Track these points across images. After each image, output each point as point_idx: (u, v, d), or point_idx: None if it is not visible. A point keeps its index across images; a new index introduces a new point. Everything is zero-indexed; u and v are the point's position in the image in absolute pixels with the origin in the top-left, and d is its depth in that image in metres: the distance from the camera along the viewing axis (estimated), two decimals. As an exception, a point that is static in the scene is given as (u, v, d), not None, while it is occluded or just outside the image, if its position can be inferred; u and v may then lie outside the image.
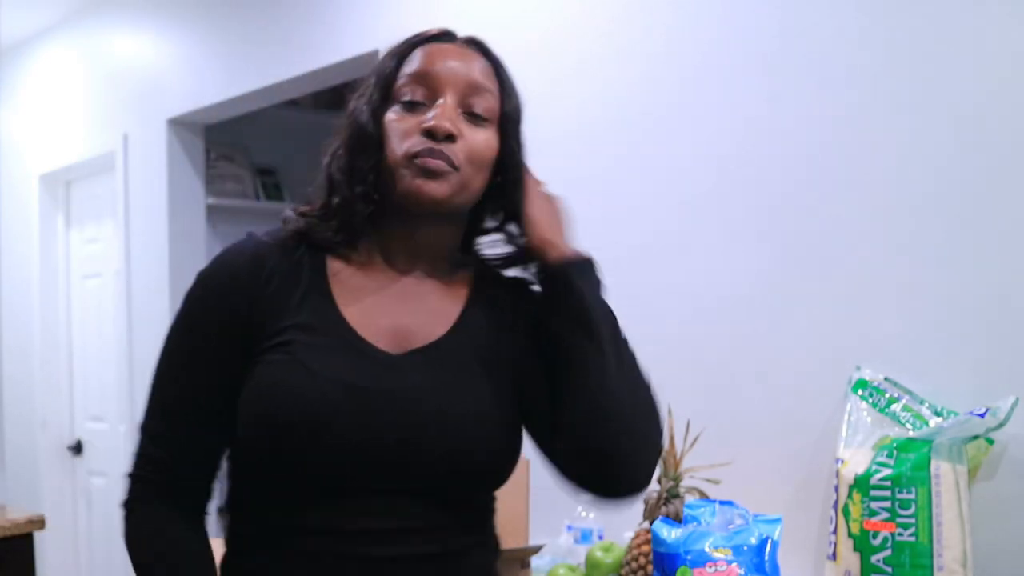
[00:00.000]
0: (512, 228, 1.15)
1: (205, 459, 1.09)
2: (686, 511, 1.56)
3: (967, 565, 1.48)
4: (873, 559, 1.53)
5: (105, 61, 4.00)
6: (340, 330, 1.05)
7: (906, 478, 1.51)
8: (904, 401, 1.63)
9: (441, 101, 1.05)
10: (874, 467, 1.55)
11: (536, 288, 1.15)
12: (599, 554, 1.76)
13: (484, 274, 1.17)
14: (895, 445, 1.56)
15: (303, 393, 1.00)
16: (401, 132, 1.05)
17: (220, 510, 1.12)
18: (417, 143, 1.03)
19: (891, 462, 1.54)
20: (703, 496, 1.67)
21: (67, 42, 4.25)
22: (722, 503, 1.55)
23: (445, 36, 1.12)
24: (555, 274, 1.08)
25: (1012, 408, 1.48)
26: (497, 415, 1.06)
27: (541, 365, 1.09)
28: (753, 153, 1.92)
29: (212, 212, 3.86)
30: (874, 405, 1.66)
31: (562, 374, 1.07)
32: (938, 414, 1.59)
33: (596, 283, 1.10)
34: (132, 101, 3.82)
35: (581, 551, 1.85)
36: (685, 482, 1.70)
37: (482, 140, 1.06)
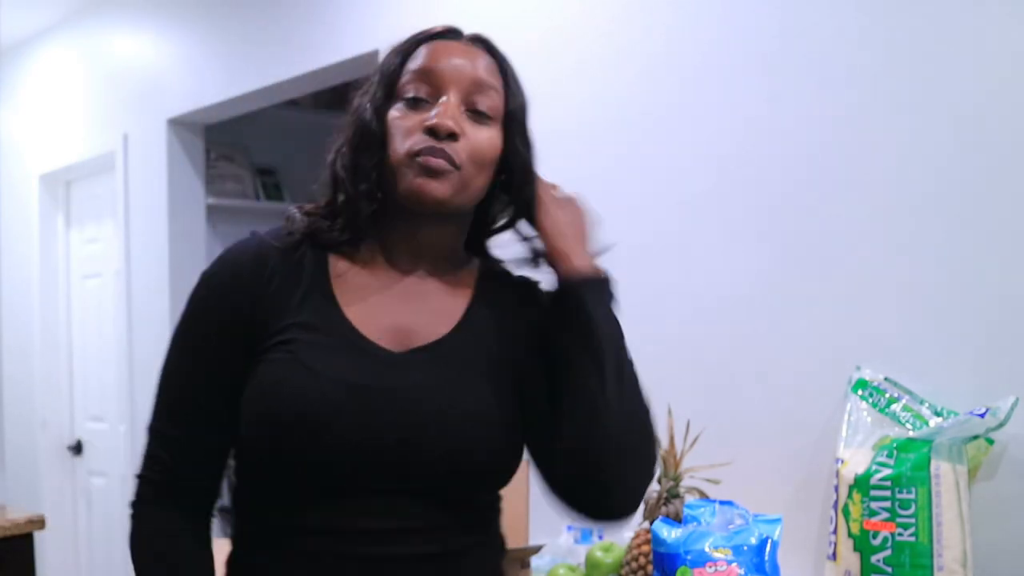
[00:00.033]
0: (523, 227, 1.14)
1: (210, 458, 1.09)
2: (686, 511, 1.56)
3: (967, 565, 1.48)
4: (873, 559, 1.53)
5: (105, 61, 4.00)
6: (342, 329, 1.04)
7: (906, 478, 1.51)
8: (904, 401, 1.63)
9: (444, 99, 1.04)
10: (874, 467, 1.55)
11: (544, 289, 1.14)
12: (599, 554, 1.76)
13: (490, 273, 1.16)
14: (895, 445, 1.56)
15: (304, 392, 1.00)
16: (404, 130, 1.04)
17: (222, 509, 1.12)
18: (419, 141, 1.02)
19: (891, 462, 1.54)
20: (703, 496, 1.67)
21: (67, 42, 4.25)
22: (722, 503, 1.55)
23: (450, 33, 1.11)
24: (567, 290, 1.07)
25: (1012, 408, 1.48)
26: (499, 415, 1.05)
27: (543, 368, 1.08)
28: (753, 153, 1.92)
29: (212, 212, 3.86)
30: (874, 405, 1.66)
31: (561, 387, 1.06)
32: (938, 414, 1.59)
33: (608, 302, 1.08)
34: (132, 101, 3.82)
35: (581, 551, 1.85)
36: (685, 482, 1.70)
37: (485, 139, 1.06)
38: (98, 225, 4.22)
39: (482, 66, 1.08)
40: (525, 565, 1.78)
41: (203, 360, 1.07)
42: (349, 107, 1.11)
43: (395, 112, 1.06)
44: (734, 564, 1.41)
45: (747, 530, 1.46)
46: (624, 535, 1.78)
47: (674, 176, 2.06)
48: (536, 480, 1.11)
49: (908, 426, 1.60)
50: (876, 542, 1.52)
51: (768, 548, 1.44)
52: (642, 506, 1.69)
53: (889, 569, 1.51)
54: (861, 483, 1.56)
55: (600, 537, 1.97)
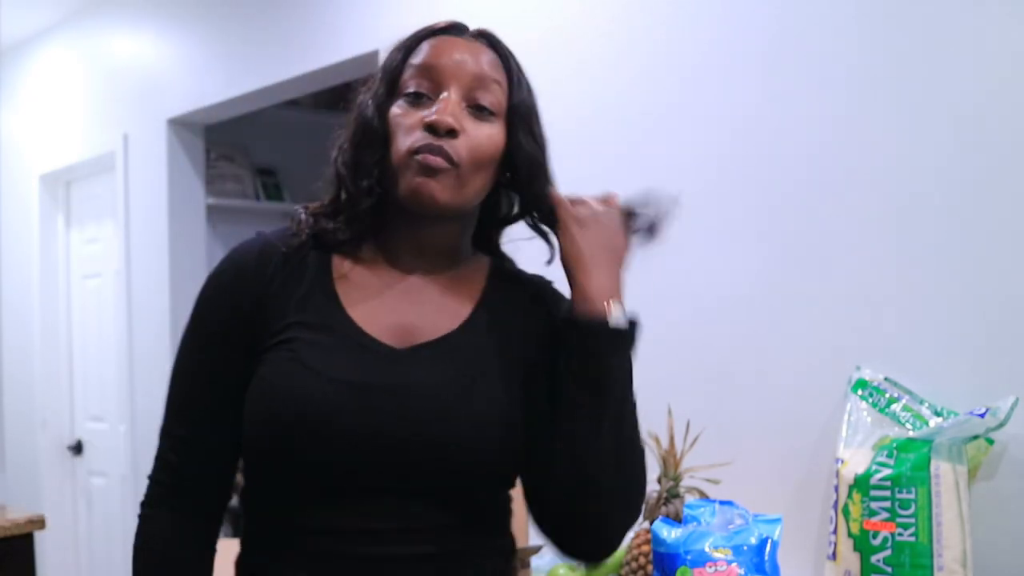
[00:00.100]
0: (538, 224, 1.12)
1: (218, 459, 1.09)
2: (686, 511, 1.56)
3: (967, 565, 1.48)
4: (873, 559, 1.53)
5: (105, 61, 4.00)
6: (344, 327, 1.04)
7: (906, 478, 1.51)
8: (904, 401, 1.63)
9: (445, 95, 1.03)
10: (874, 467, 1.56)
11: (557, 290, 1.13)
12: (599, 554, 1.75)
13: (501, 271, 1.15)
14: (895, 445, 1.56)
15: (304, 391, 0.99)
16: (405, 127, 1.03)
17: (231, 510, 1.12)
18: (419, 138, 1.02)
19: (891, 462, 1.54)
20: (703, 496, 1.67)
21: (67, 42, 4.25)
22: (722, 503, 1.55)
23: (454, 29, 1.10)
24: (580, 333, 1.02)
25: (1012, 408, 1.48)
26: (503, 414, 1.03)
27: (548, 371, 1.06)
28: (753, 153, 1.92)
29: (212, 212, 3.86)
30: (874, 405, 1.66)
31: (557, 412, 1.03)
32: (938, 414, 1.59)
33: (623, 352, 1.03)
34: (132, 101, 3.82)
35: (581, 551, 1.85)
36: (685, 482, 1.70)
37: (485, 135, 1.04)
38: (98, 225, 4.22)
39: (484, 61, 1.06)
40: (525, 565, 1.78)
41: (208, 359, 1.08)
42: (352, 104, 1.11)
43: (397, 109, 1.05)
44: (734, 564, 1.41)
45: (747, 530, 1.46)
46: (624, 535, 1.77)
47: (674, 176, 2.05)
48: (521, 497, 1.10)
49: (908, 426, 1.60)
50: (876, 542, 1.52)
51: (768, 548, 1.44)
52: (642, 506, 1.69)
53: (889, 569, 1.51)
54: (861, 483, 1.56)
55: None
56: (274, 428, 1.00)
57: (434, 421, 1.00)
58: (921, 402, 1.62)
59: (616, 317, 1.02)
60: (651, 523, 1.57)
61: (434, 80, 1.04)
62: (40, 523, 2.67)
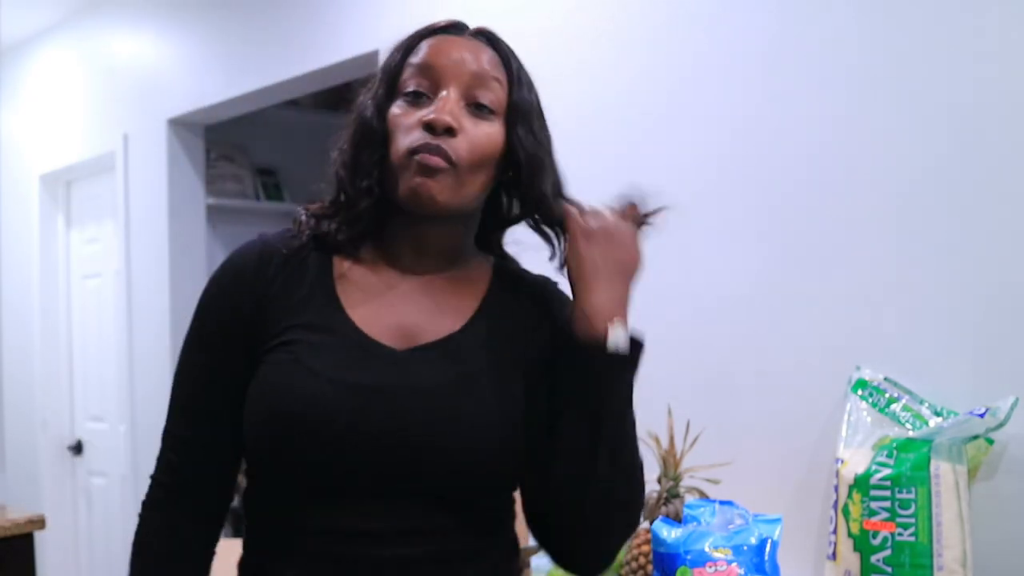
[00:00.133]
0: (539, 224, 1.11)
1: (219, 459, 1.09)
2: (686, 511, 1.56)
3: (967, 565, 1.48)
4: (873, 559, 1.53)
5: (105, 61, 4.00)
6: (344, 328, 1.04)
7: (906, 478, 1.51)
8: (904, 401, 1.63)
9: (444, 93, 1.03)
10: (874, 467, 1.56)
11: (562, 291, 1.12)
12: (599, 554, 1.76)
13: (505, 272, 1.14)
14: (895, 445, 1.56)
15: (303, 392, 0.99)
16: (404, 127, 1.03)
17: (233, 510, 1.12)
18: (417, 138, 1.01)
19: (891, 462, 1.54)
20: (703, 496, 1.67)
21: (67, 42, 4.25)
22: (722, 503, 1.55)
23: (454, 28, 1.09)
24: (580, 356, 1.00)
25: (1012, 408, 1.48)
26: (505, 415, 1.02)
27: (549, 377, 1.05)
28: (753, 153, 1.92)
29: (212, 212, 3.86)
30: (874, 405, 1.66)
31: (554, 428, 1.02)
32: (938, 414, 1.59)
33: (624, 377, 1.01)
34: (132, 101, 3.82)
35: (581, 551, 1.85)
36: (685, 482, 1.71)
37: (484, 134, 1.03)
38: (98, 225, 4.22)
39: (484, 60, 1.05)
40: (525, 565, 1.78)
41: (209, 361, 1.08)
42: (352, 105, 1.10)
43: (396, 109, 1.05)
44: (734, 564, 1.41)
45: (747, 530, 1.46)
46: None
47: (674, 176, 2.06)
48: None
49: (908, 426, 1.60)
50: (876, 542, 1.52)
51: (768, 548, 1.44)
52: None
53: (889, 569, 1.51)
54: (861, 483, 1.56)
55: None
56: (274, 428, 1.00)
57: (434, 422, 1.00)
58: (921, 402, 1.62)
59: (615, 341, 0.99)
60: (651, 523, 1.58)
61: (433, 79, 1.04)
62: (40, 523, 2.67)
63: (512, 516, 1.12)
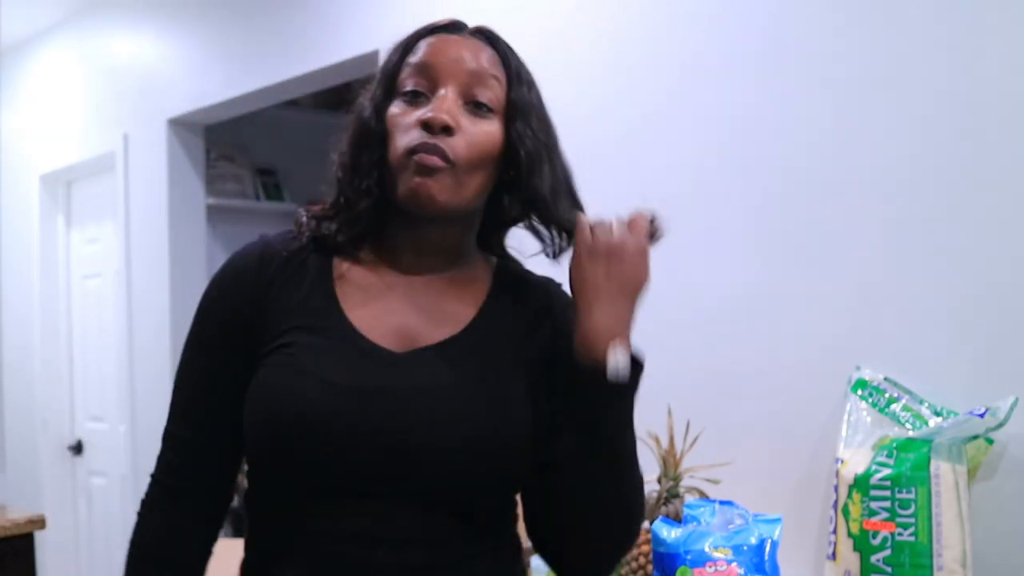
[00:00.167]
0: (536, 224, 1.10)
1: (219, 460, 1.10)
2: (686, 511, 1.56)
3: (967, 565, 1.48)
4: (873, 559, 1.53)
5: (105, 61, 4.00)
6: (342, 330, 1.03)
7: (906, 478, 1.51)
8: (904, 401, 1.63)
9: (442, 92, 1.02)
10: (874, 467, 1.56)
11: (564, 291, 1.11)
12: (599, 554, 1.75)
13: (507, 273, 1.13)
14: (895, 445, 1.56)
15: (300, 395, 0.98)
16: (402, 127, 1.02)
17: (231, 510, 1.12)
18: (415, 137, 1.00)
19: (891, 462, 1.54)
20: (703, 496, 1.67)
21: (67, 42, 4.25)
22: (722, 503, 1.55)
23: (452, 27, 1.09)
24: (580, 380, 0.99)
25: (1012, 408, 1.48)
26: (504, 417, 1.01)
27: (551, 380, 1.04)
28: (753, 152, 1.92)
29: (212, 212, 3.86)
30: (874, 405, 1.66)
31: (552, 445, 1.02)
32: (938, 414, 1.59)
33: (623, 399, 1.00)
34: (132, 101, 3.82)
35: (581, 551, 1.85)
36: (685, 482, 1.71)
37: (482, 132, 1.02)
38: (98, 225, 4.23)
39: (482, 58, 1.04)
40: (526, 565, 1.78)
41: (209, 363, 1.08)
42: (353, 105, 1.10)
43: (394, 109, 1.04)
44: (734, 564, 1.41)
45: (747, 530, 1.46)
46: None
47: (673, 175, 2.06)
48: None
49: (908, 426, 1.60)
50: (876, 542, 1.52)
51: (768, 548, 1.44)
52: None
53: (889, 569, 1.51)
54: (861, 483, 1.56)
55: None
56: (273, 429, 0.99)
57: (433, 424, 0.99)
58: (921, 402, 1.62)
59: (615, 367, 0.97)
60: (651, 523, 1.58)
61: (431, 78, 1.03)
62: (40, 523, 2.67)
63: (514, 518, 1.11)
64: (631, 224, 1.01)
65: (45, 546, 3.61)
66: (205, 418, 1.08)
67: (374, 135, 1.05)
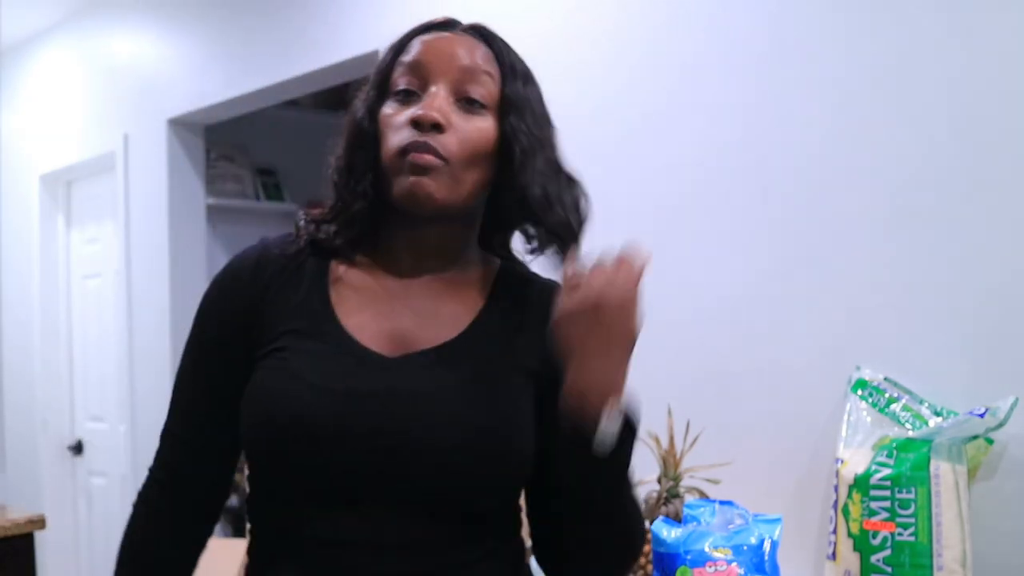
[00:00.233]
0: (529, 228, 1.07)
1: (214, 461, 1.10)
2: (686, 511, 1.56)
3: (967, 565, 1.48)
4: (873, 559, 1.53)
5: (105, 61, 4.00)
6: (335, 335, 1.02)
7: (906, 478, 1.51)
8: (904, 401, 1.63)
9: (433, 89, 1.01)
10: (874, 467, 1.56)
11: None
12: (599, 554, 1.75)
13: (510, 274, 1.11)
14: (895, 445, 1.56)
15: (293, 398, 0.98)
16: (394, 126, 1.01)
17: (229, 509, 1.13)
18: (406, 136, 0.99)
19: (891, 462, 1.54)
20: (703, 496, 1.67)
21: (67, 42, 4.25)
22: (722, 503, 1.55)
23: (445, 25, 1.08)
24: (568, 435, 0.95)
25: (1012, 408, 1.48)
26: (503, 419, 1.00)
27: (553, 384, 1.01)
28: (753, 152, 1.92)
29: (212, 212, 3.86)
30: (874, 405, 1.66)
31: (550, 473, 1.01)
32: (938, 414, 1.59)
33: (615, 454, 0.96)
34: (132, 101, 3.82)
35: (581, 551, 1.85)
36: (685, 482, 1.71)
37: (474, 129, 1.01)
38: (98, 225, 4.23)
39: (474, 54, 1.03)
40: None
41: (206, 365, 1.08)
42: (349, 107, 1.10)
43: (387, 109, 1.03)
44: (734, 564, 1.41)
45: (747, 530, 1.46)
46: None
47: (674, 176, 2.06)
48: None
49: (908, 426, 1.60)
50: (876, 542, 1.53)
51: (768, 548, 1.44)
52: (642, 506, 1.69)
53: (889, 569, 1.51)
54: (861, 483, 1.56)
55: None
56: (269, 432, 0.99)
57: (424, 428, 0.97)
58: (921, 402, 1.62)
59: (603, 436, 0.93)
60: (651, 523, 1.58)
61: (422, 77, 1.03)
62: (40, 523, 2.67)
63: (519, 522, 1.10)
64: (617, 271, 0.93)
65: (45, 546, 3.61)
66: (203, 418, 1.08)
67: (368, 136, 1.04)
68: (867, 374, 1.69)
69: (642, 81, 2.13)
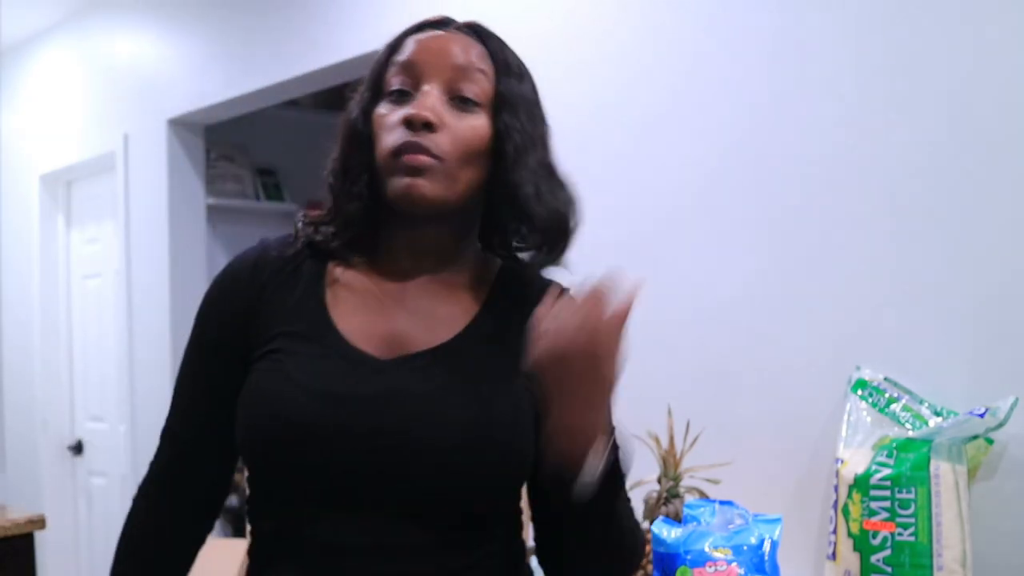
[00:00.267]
0: (521, 228, 1.06)
1: (213, 460, 1.10)
2: (686, 511, 1.56)
3: (967, 565, 1.48)
4: (873, 559, 1.53)
5: (105, 61, 4.00)
6: (328, 337, 1.02)
7: (906, 478, 1.51)
8: (904, 401, 1.63)
9: (425, 88, 1.01)
10: (874, 467, 1.56)
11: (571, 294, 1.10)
12: (599, 554, 1.75)
13: (511, 275, 1.10)
14: (895, 445, 1.56)
15: (287, 401, 0.98)
16: (387, 126, 1.01)
17: (229, 509, 1.13)
18: (399, 136, 0.99)
19: (891, 462, 1.54)
20: (703, 496, 1.67)
21: (67, 42, 4.25)
22: (722, 503, 1.55)
23: (438, 24, 1.07)
24: (553, 475, 0.95)
25: (1012, 408, 1.48)
26: (499, 421, 0.99)
27: None
28: (753, 152, 1.92)
29: (212, 212, 3.86)
30: (874, 405, 1.66)
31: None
32: (938, 414, 1.59)
33: (614, 483, 0.95)
34: (132, 101, 3.82)
35: (581, 551, 1.85)
36: (685, 482, 1.70)
37: (467, 127, 1.00)
38: (98, 225, 4.23)
39: (466, 52, 1.03)
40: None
41: (205, 365, 1.09)
42: (345, 108, 1.10)
43: (381, 109, 1.03)
44: (734, 564, 1.41)
45: (747, 530, 1.46)
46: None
47: (674, 175, 2.06)
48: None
49: (908, 426, 1.60)
50: (876, 542, 1.52)
51: (768, 548, 1.44)
52: (642, 505, 1.69)
53: (889, 569, 1.51)
54: (861, 483, 1.56)
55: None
56: (263, 434, 0.99)
57: (417, 430, 0.96)
58: (921, 402, 1.62)
59: (586, 474, 0.92)
60: (651, 523, 1.57)
61: (414, 76, 1.02)
62: (40, 523, 2.67)
63: (519, 525, 1.10)
64: (587, 315, 0.87)
65: (45, 546, 3.61)
66: (203, 418, 1.09)
67: (362, 137, 1.04)
68: (867, 374, 1.69)
69: (642, 82, 2.13)
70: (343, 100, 1.12)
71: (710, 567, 1.41)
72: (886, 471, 1.54)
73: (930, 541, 1.48)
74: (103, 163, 4.02)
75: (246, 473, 1.08)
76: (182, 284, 3.59)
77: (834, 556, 1.60)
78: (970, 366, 1.61)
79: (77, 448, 4.32)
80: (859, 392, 1.68)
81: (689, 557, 1.42)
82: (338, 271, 1.07)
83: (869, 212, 1.75)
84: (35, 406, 4.39)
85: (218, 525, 1.16)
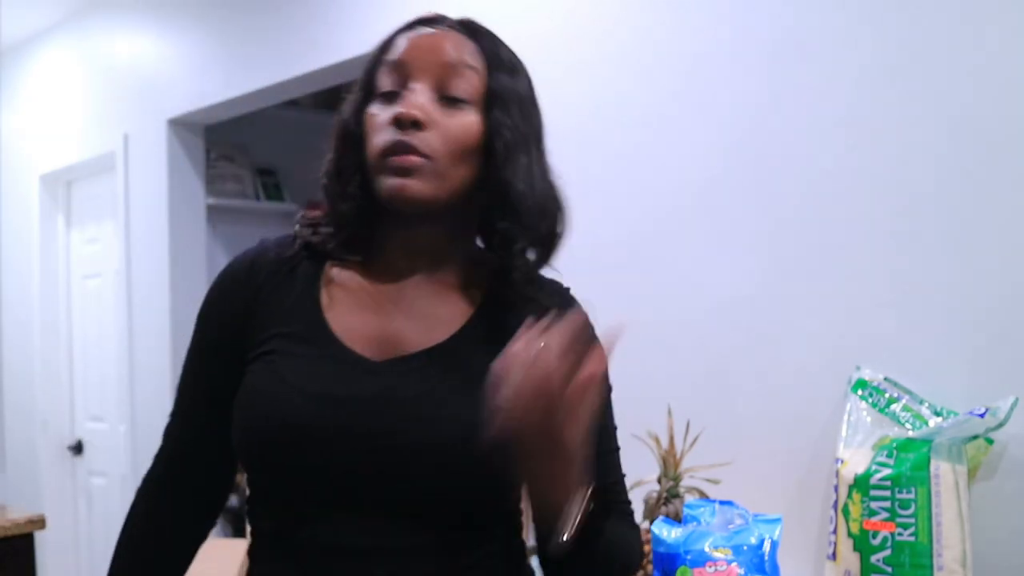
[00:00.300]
0: (512, 228, 1.04)
1: (214, 460, 1.11)
2: (686, 511, 1.56)
3: (967, 565, 1.48)
4: (873, 559, 1.53)
5: (105, 61, 4.00)
6: (322, 338, 1.02)
7: (906, 478, 1.51)
8: (904, 401, 1.63)
9: (413, 87, 1.00)
10: (874, 467, 1.56)
11: (570, 295, 1.09)
12: (599, 554, 1.75)
13: (507, 272, 1.08)
14: (895, 445, 1.56)
15: (281, 402, 0.98)
16: (377, 126, 1.00)
17: (229, 509, 1.13)
18: (388, 136, 0.98)
19: (891, 462, 1.54)
20: (703, 496, 1.67)
21: (67, 42, 4.25)
22: (722, 503, 1.55)
23: (430, 21, 1.06)
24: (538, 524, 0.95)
25: (1012, 408, 1.48)
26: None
27: None
28: (754, 153, 1.92)
29: (212, 212, 3.86)
30: (874, 405, 1.66)
31: None
32: (938, 414, 1.59)
33: (593, 528, 0.94)
34: (132, 101, 3.82)
35: (581, 551, 1.85)
36: (685, 482, 1.70)
37: (457, 124, 1.00)
38: (98, 225, 4.23)
39: (456, 49, 1.02)
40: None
41: (205, 366, 1.09)
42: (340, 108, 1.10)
43: (372, 109, 1.03)
44: (734, 564, 1.41)
45: (747, 530, 1.46)
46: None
47: (675, 176, 2.06)
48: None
49: (908, 426, 1.60)
50: (876, 542, 1.53)
51: (768, 548, 1.44)
52: (642, 505, 1.69)
53: (889, 569, 1.51)
54: (861, 483, 1.56)
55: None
56: (258, 435, 0.99)
57: (410, 431, 0.96)
58: (921, 402, 1.62)
59: (561, 527, 0.91)
60: (651, 523, 1.58)
61: (403, 75, 1.02)
62: (40, 523, 2.67)
63: (517, 522, 1.09)
64: (541, 389, 0.83)
65: (45, 546, 3.61)
66: (204, 419, 1.09)
67: (355, 138, 1.04)
68: (867, 374, 1.69)
69: (642, 82, 2.13)
70: (343, 100, 1.13)
71: (710, 567, 1.41)
72: (886, 471, 1.54)
73: (930, 541, 1.48)
74: (103, 163, 4.02)
75: (246, 473, 1.08)
76: (182, 284, 3.59)
77: (834, 556, 1.60)
78: (970, 366, 1.61)
79: (77, 448, 4.32)
80: (859, 392, 1.68)
81: (689, 557, 1.42)
82: (334, 272, 1.07)
83: (869, 212, 1.75)
84: (35, 406, 4.39)
85: (218, 525, 1.16)
